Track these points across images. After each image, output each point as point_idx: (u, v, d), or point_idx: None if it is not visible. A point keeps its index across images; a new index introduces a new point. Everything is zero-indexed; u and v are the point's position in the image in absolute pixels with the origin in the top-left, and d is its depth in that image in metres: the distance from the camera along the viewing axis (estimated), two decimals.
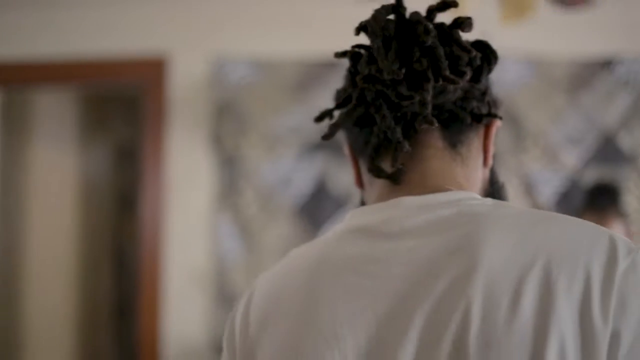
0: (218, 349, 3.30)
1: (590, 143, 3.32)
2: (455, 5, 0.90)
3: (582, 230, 0.80)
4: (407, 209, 0.88)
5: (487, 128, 0.98)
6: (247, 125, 3.37)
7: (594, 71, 3.34)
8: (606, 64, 3.35)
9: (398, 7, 0.91)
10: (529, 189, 3.30)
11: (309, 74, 3.39)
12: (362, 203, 1.06)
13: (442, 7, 0.91)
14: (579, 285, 0.75)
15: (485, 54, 0.92)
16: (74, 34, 3.55)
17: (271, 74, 3.41)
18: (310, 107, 3.36)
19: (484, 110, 0.97)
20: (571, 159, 3.33)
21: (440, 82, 0.87)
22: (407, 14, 0.91)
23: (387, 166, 0.95)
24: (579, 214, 3.03)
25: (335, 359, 0.83)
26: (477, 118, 0.96)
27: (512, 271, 0.77)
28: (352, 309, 0.85)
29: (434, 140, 0.94)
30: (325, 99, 3.35)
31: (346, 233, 0.93)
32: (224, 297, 3.32)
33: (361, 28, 0.91)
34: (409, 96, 0.87)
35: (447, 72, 0.87)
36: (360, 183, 1.04)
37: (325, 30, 3.43)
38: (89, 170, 4.91)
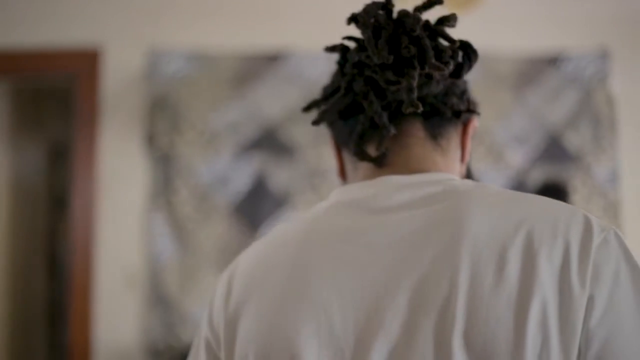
0: (153, 353, 3.22)
1: (537, 142, 3.32)
2: (440, 2, 0.97)
3: (560, 207, 0.88)
4: (393, 186, 0.95)
5: (465, 125, 1.06)
6: (183, 121, 3.30)
7: (540, 68, 3.34)
8: (553, 61, 3.36)
9: (387, 4, 0.97)
10: None
11: (248, 68, 3.34)
12: None
13: (427, 5, 0.98)
14: (559, 255, 0.83)
15: (467, 52, 0.98)
16: (4, 23, 3.42)
17: (209, 68, 3.34)
18: (248, 103, 3.30)
19: (463, 107, 1.03)
20: (517, 158, 3.32)
21: (426, 70, 0.93)
22: (395, 12, 0.97)
23: (372, 151, 1.01)
24: None
25: (321, 326, 0.87)
26: (457, 114, 1.02)
27: (497, 241, 0.84)
28: (340, 277, 0.89)
29: (416, 131, 1.01)
30: (265, 94, 3.28)
31: (333, 207, 0.98)
32: (158, 299, 3.24)
33: (352, 19, 0.97)
34: (396, 81, 0.93)
35: (433, 60, 0.93)
36: (343, 174, 1.10)
37: (265, 23, 3.36)
38: (21, 169, 4.77)
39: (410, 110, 0.93)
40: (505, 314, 0.81)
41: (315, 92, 3.27)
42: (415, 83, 0.93)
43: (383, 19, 0.96)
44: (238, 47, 3.37)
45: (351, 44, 1.02)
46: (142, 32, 3.41)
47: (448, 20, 0.97)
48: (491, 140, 3.32)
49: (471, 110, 1.04)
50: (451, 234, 0.86)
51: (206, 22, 3.41)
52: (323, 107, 1.04)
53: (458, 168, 1.06)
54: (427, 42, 0.94)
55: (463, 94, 1.05)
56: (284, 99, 3.32)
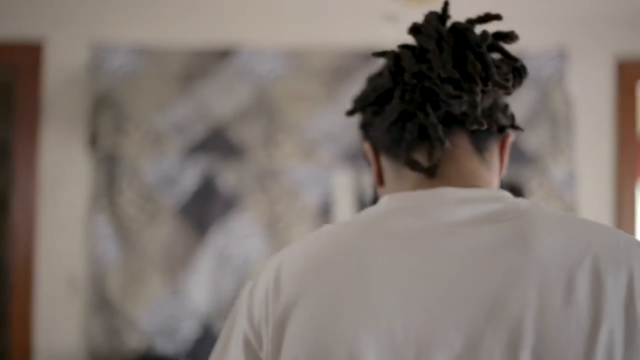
0: (95, 359, 3.16)
1: None
2: (499, 18, 1.00)
3: (618, 234, 0.94)
4: (453, 199, 0.98)
5: (504, 140, 1.09)
6: (128, 119, 3.24)
7: None
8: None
9: (444, 15, 1.01)
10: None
11: (197, 64, 3.29)
12: (375, 200, 1.15)
13: (484, 19, 1.01)
14: (623, 282, 0.88)
15: (518, 68, 1.01)
16: None
17: (155, 63, 3.28)
18: (196, 101, 3.25)
19: (507, 123, 1.07)
20: None
21: (489, 87, 0.96)
22: (450, 22, 1.01)
23: (420, 160, 1.03)
24: None
25: (381, 332, 0.90)
26: (501, 128, 1.06)
27: (564, 264, 0.89)
28: (403, 284, 0.92)
29: (464, 143, 1.04)
30: (214, 92, 3.22)
31: (392, 213, 0.99)
32: (101, 302, 3.21)
33: (414, 30, 1.00)
34: (457, 96, 0.95)
35: (497, 78, 0.96)
36: (380, 180, 1.12)
37: (215, 17, 3.32)
38: None
39: (474, 127, 0.97)
40: (576, 336, 0.86)
41: (266, 90, 3.22)
42: (478, 99, 0.96)
43: (445, 31, 0.99)
44: (186, 42, 3.32)
45: (399, 50, 1.04)
46: (85, 24, 3.34)
47: (508, 37, 1.01)
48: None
49: (515, 126, 1.08)
50: (518, 253, 0.91)
51: (153, 15, 3.34)
52: (370, 110, 1.08)
53: (497, 182, 1.09)
54: (490, 57, 0.97)
55: (506, 108, 1.08)
56: (234, 96, 3.27)
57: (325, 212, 3.24)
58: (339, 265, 0.96)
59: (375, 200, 1.16)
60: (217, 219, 3.22)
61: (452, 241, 0.94)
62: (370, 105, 1.08)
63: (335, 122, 3.26)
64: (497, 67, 0.98)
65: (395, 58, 1.02)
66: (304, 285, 0.97)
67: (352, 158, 3.27)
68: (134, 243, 3.22)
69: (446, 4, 1.04)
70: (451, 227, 0.95)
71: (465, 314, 0.89)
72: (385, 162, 1.10)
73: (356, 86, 3.24)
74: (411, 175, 1.05)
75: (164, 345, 3.14)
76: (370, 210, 1.04)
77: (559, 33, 3.42)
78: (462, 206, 0.97)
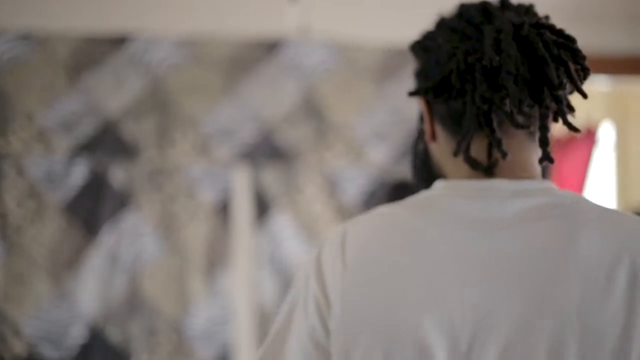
0: None
1: (399, 137, 3.27)
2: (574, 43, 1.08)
3: None
4: (505, 192, 1.06)
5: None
6: (10, 111, 3.09)
7: (403, 60, 3.26)
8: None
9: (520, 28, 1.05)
10: (332, 187, 3.23)
11: (87, 52, 3.16)
12: (425, 153, 1.22)
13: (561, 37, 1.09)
14: None
15: (584, 67, 1.06)
16: None
17: (42, 51, 3.14)
18: (86, 93, 3.14)
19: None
20: (378, 155, 3.27)
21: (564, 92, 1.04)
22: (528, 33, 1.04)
23: (476, 151, 1.09)
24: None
25: (443, 315, 1.00)
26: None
27: (604, 260, 0.97)
28: (463, 273, 1.01)
29: (518, 133, 1.10)
30: (105, 84, 3.12)
31: (447, 201, 1.08)
32: None
33: (495, 45, 1.03)
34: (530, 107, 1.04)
35: (579, 85, 1.04)
36: (433, 136, 1.17)
37: (107, 2, 3.21)
38: None
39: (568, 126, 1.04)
40: (613, 331, 0.95)
41: (161, 82, 3.14)
42: (564, 105, 1.03)
43: (516, 49, 1.03)
44: (76, 28, 3.18)
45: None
46: None
47: (573, 40, 1.07)
48: (350, 135, 3.25)
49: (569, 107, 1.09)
50: (565, 249, 0.99)
51: None
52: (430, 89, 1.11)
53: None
54: (565, 67, 1.03)
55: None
56: (127, 89, 3.15)
57: (222, 211, 3.17)
58: (400, 250, 1.06)
59: (425, 153, 1.23)
60: (107, 219, 3.12)
61: (505, 235, 1.02)
62: (432, 88, 1.11)
63: (234, 117, 3.19)
64: (567, 71, 1.03)
65: (466, 65, 1.06)
66: (366, 266, 1.07)
67: (251, 155, 3.21)
68: (16, 242, 3.09)
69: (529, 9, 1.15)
70: (505, 221, 1.04)
71: (516, 306, 0.98)
72: (439, 128, 1.15)
73: (257, 78, 3.19)
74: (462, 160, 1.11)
75: (49, 352, 3.04)
76: (428, 195, 1.12)
77: None
78: (514, 199, 1.05)
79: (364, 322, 1.04)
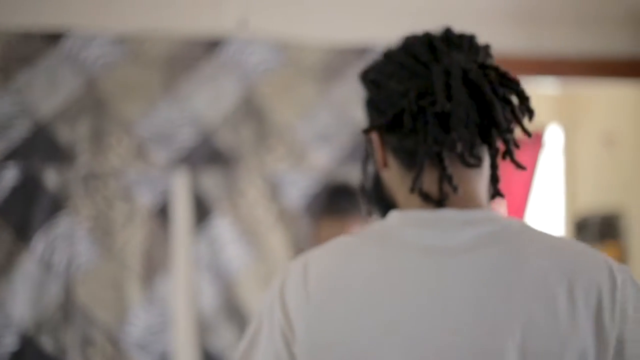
0: None
1: (342, 140, 3.26)
2: (526, 98, 1.17)
3: (590, 258, 1.12)
4: (454, 223, 1.14)
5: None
6: None
7: (348, 59, 3.26)
8: (361, 52, 3.27)
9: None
10: (274, 191, 3.21)
11: (18, 50, 3.07)
12: (376, 177, 1.30)
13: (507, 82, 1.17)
14: (594, 300, 1.08)
15: (528, 107, 1.16)
16: None
17: None
18: (18, 94, 3.05)
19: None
20: (321, 158, 3.25)
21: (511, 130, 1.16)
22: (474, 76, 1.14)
23: (428, 184, 1.17)
24: (318, 218, 3.03)
25: (402, 347, 1.09)
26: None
27: (550, 285, 1.08)
28: (418, 302, 1.10)
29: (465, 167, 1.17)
30: (38, 83, 3.05)
31: (403, 232, 1.15)
32: None
33: (444, 84, 1.13)
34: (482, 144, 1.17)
35: (523, 124, 1.16)
36: (384, 164, 1.23)
37: None
38: None
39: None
40: (554, 345, 1.06)
41: (96, 81, 3.08)
42: (511, 140, 1.15)
43: (463, 90, 1.12)
44: (7, 24, 3.09)
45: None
46: None
47: (517, 83, 1.16)
48: (293, 138, 3.23)
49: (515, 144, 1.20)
50: (513, 275, 1.09)
51: None
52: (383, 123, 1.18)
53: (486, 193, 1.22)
54: (511, 108, 1.15)
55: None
56: (61, 89, 3.08)
57: (160, 216, 3.13)
58: (361, 280, 1.13)
59: (377, 181, 1.31)
60: (41, 224, 3.04)
61: (458, 263, 1.11)
62: (385, 124, 1.18)
63: (172, 119, 3.15)
64: (512, 108, 1.14)
65: (418, 105, 1.13)
66: (330, 297, 1.13)
67: (190, 158, 3.17)
68: None
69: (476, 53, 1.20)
70: (457, 250, 1.12)
71: (470, 330, 1.07)
72: (391, 157, 1.22)
73: (197, 78, 3.16)
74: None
75: None
76: (384, 225, 1.19)
77: (414, 26, 3.31)
78: (465, 228, 1.13)
79: (327, 350, 1.11)
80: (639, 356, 1.09)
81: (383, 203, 1.30)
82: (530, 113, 1.15)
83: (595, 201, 5.01)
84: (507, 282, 1.09)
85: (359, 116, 3.17)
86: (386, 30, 3.26)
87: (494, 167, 1.19)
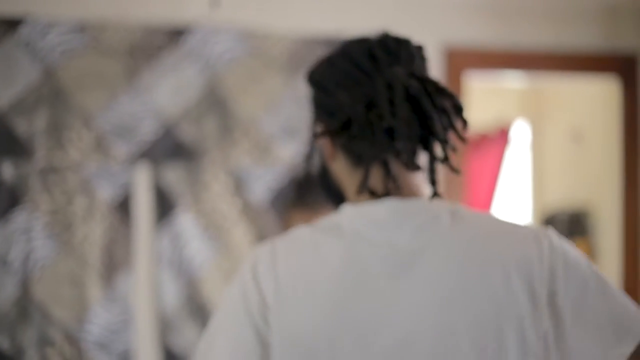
0: None
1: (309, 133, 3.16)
2: (461, 110, 1.31)
3: (518, 234, 1.24)
4: (405, 211, 1.25)
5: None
6: None
7: (316, 50, 3.23)
8: (330, 43, 3.23)
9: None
10: (239, 186, 3.19)
11: None
12: (323, 168, 1.39)
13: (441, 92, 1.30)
14: (525, 273, 1.19)
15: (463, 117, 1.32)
16: None
17: None
18: None
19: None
20: (287, 151, 3.24)
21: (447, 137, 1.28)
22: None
23: (374, 181, 1.30)
24: (287, 210, 3.05)
25: (366, 338, 1.18)
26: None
27: (486, 266, 1.20)
28: (381, 293, 1.20)
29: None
30: None
31: (358, 225, 1.25)
32: None
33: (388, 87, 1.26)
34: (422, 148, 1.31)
35: (459, 130, 1.30)
36: (332, 157, 1.34)
37: None
38: None
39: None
40: (495, 317, 1.18)
41: (55, 70, 3.03)
42: (448, 148, 1.28)
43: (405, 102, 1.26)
44: None
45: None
46: None
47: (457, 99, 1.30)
48: (258, 131, 3.22)
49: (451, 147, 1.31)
50: (460, 263, 1.20)
51: None
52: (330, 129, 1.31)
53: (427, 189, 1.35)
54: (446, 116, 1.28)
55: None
56: (19, 78, 3.02)
57: (121, 210, 3.09)
58: (326, 275, 1.21)
59: (324, 172, 1.40)
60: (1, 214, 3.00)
61: (410, 258, 1.21)
62: (336, 127, 1.29)
63: (133, 111, 3.11)
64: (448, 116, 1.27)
65: (367, 107, 1.26)
66: (299, 290, 1.21)
67: (152, 152, 3.13)
68: None
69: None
70: (407, 244, 1.23)
71: (434, 315, 1.18)
72: (339, 152, 1.33)
73: (160, 69, 3.12)
74: (359, 176, 1.30)
75: None
76: (339, 220, 1.28)
77: (383, 16, 3.38)
78: (413, 218, 1.24)
79: (293, 335, 1.19)
80: (571, 304, 1.20)
81: (331, 192, 1.41)
82: (465, 123, 1.29)
83: (563, 198, 5.03)
84: (454, 269, 1.20)
85: None
86: (355, 21, 3.30)
87: (432, 171, 1.29)
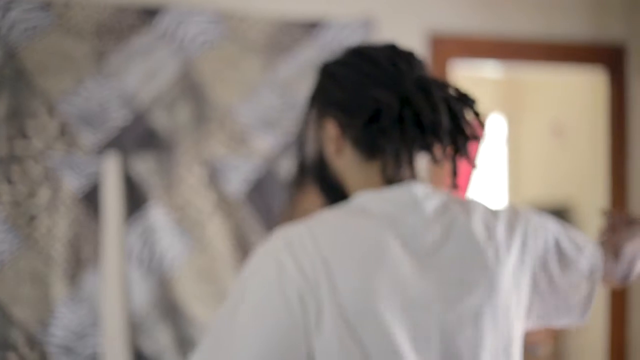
0: None
1: (288, 123, 3.21)
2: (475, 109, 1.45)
3: (500, 209, 1.46)
4: (420, 196, 1.38)
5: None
6: None
7: (295, 35, 3.22)
8: (311, 27, 3.23)
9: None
10: (214, 178, 3.13)
11: None
12: (321, 162, 1.45)
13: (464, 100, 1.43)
14: (519, 240, 1.42)
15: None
16: None
17: None
18: None
19: None
20: (265, 142, 3.19)
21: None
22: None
23: (390, 170, 1.40)
24: (301, 188, 2.97)
25: (411, 326, 1.29)
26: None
27: (479, 243, 1.38)
28: (413, 272, 1.32)
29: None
30: None
31: (383, 210, 1.35)
32: None
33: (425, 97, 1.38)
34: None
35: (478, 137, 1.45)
36: (339, 151, 1.42)
37: None
38: None
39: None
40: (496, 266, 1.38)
41: (17, 51, 2.92)
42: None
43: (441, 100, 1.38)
44: None
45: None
46: None
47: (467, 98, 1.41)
48: (235, 120, 3.15)
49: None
50: (466, 237, 1.36)
51: None
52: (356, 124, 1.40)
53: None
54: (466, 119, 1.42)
55: None
56: None
57: (88, 204, 3.00)
58: (365, 245, 1.29)
59: (323, 163, 1.45)
60: None
61: (430, 236, 1.34)
62: (362, 121, 1.38)
63: (101, 96, 3.02)
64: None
65: (401, 109, 1.36)
66: (342, 256, 1.27)
67: (121, 140, 3.05)
68: None
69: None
70: (428, 221, 1.35)
71: (453, 288, 1.33)
72: (349, 146, 1.41)
73: (129, 51, 3.04)
74: (378, 169, 1.40)
75: None
76: (359, 204, 1.36)
77: (366, 1, 3.36)
78: (429, 201, 1.38)
79: (344, 313, 1.24)
80: (571, 247, 1.50)
81: (329, 186, 1.45)
82: (483, 125, 1.42)
83: (543, 194, 5.04)
84: (469, 250, 1.36)
85: (306, 97, 3.13)
86: (337, 4, 3.25)
87: (454, 163, 1.41)
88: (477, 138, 1.42)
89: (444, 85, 1.40)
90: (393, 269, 1.28)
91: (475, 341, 1.32)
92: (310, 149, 1.49)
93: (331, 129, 1.41)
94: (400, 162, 1.37)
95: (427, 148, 1.39)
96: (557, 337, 4.53)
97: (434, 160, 1.40)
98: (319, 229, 1.31)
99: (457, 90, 1.41)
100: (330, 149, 1.43)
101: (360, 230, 1.31)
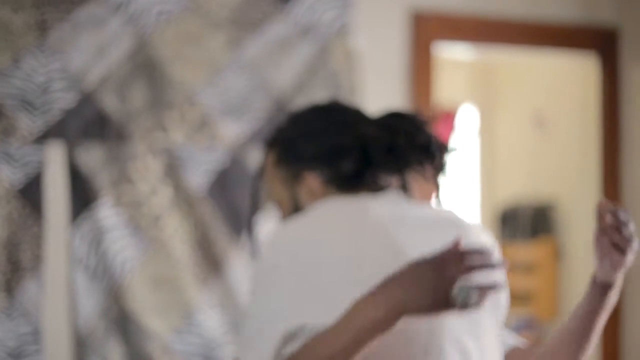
0: None
1: (257, 110, 3.17)
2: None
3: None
4: (405, 199, 1.56)
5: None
6: None
7: (264, 10, 3.17)
8: (281, 2, 3.20)
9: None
10: (172, 169, 3.07)
11: None
12: (296, 204, 1.58)
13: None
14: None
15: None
16: None
17: None
18: None
19: None
20: (230, 130, 3.15)
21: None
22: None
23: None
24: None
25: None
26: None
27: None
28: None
29: None
30: None
31: (381, 206, 1.51)
32: None
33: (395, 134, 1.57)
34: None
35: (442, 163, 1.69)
36: (322, 194, 1.55)
37: None
38: None
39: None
40: None
41: None
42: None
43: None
44: None
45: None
46: None
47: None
48: (195, 106, 3.09)
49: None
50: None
51: None
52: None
53: None
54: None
55: None
56: None
57: (27, 201, 2.89)
58: (373, 227, 1.44)
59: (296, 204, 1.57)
60: None
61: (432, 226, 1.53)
62: (328, 162, 1.52)
63: (43, 76, 2.91)
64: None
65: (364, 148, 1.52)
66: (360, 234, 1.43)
67: (65, 127, 2.94)
68: None
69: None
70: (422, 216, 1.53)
71: None
72: (333, 190, 1.53)
73: (75, 23, 2.97)
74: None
75: None
76: (355, 203, 1.51)
77: None
78: (414, 203, 1.56)
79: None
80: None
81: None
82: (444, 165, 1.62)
83: (522, 192, 5.08)
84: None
85: (276, 79, 3.17)
86: None
87: (437, 182, 1.63)
88: (450, 150, 1.60)
89: (406, 116, 1.59)
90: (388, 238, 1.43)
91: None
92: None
93: (312, 182, 1.55)
94: (389, 183, 1.54)
95: (421, 166, 1.54)
96: None
97: (436, 175, 1.60)
98: (333, 211, 1.48)
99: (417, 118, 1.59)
100: (309, 201, 1.55)
101: (363, 220, 1.45)
